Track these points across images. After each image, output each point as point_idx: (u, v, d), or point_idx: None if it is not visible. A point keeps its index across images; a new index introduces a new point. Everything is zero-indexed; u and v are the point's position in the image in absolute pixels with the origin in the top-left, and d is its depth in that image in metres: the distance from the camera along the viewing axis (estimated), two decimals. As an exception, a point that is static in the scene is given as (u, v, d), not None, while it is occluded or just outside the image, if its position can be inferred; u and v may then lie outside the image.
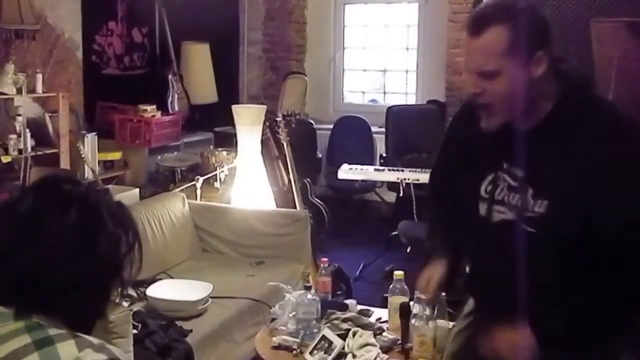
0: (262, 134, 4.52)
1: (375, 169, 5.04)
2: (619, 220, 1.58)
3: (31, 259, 1.10)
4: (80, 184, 1.21)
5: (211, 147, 5.59)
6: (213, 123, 6.01)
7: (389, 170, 4.90)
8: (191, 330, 3.03)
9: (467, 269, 2.01)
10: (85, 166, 4.67)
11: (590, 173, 1.58)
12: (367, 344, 2.64)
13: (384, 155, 5.84)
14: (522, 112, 1.66)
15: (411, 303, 2.71)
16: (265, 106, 4.70)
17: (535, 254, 1.64)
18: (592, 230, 1.58)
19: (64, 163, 4.57)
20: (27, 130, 4.39)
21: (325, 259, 3.26)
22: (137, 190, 4.49)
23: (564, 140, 1.63)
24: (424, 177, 4.60)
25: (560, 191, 1.62)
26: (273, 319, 2.91)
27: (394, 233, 4.79)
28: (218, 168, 4.66)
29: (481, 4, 1.69)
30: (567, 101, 1.65)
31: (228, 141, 5.33)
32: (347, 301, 3.13)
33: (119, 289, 1.20)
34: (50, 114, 4.63)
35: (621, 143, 1.61)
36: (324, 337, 2.64)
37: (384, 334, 2.78)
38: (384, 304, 3.01)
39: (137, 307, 3.14)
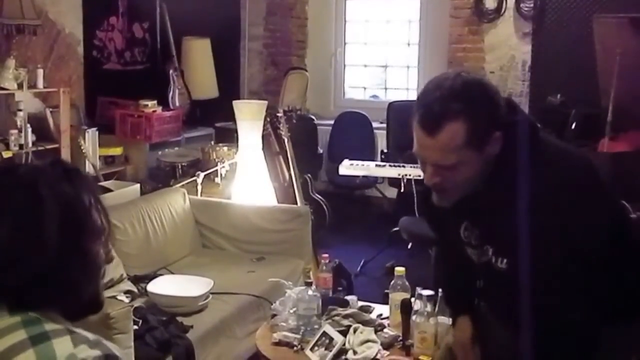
0: (263, 130, 4.51)
1: (377, 165, 5.03)
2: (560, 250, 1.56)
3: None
4: (13, 170, 1.16)
5: (212, 142, 5.58)
6: (214, 118, 6.00)
7: (390, 166, 4.89)
8: (192, 326, 3.03)
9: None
10: (86, 161, 4.67)
11: (534, 234, 1.56)
12: (368, 341, 2.64)
13: (385, 151, 5.83)
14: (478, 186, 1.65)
15: (412, 299, 2.71)
16: (266, 102, 4.69)
17: (509, 297, 1.66)
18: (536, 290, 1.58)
19: (65, 158, 4.57)
20: (28, 125, 4.39)
21: (326, 255, 3.26)
22: (138, 185, 4.49)
23: (508, 194, 1.60)
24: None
25: (514, 250, 1.61)
26: (274, 315, 2.91)
27: (395, 229, 4.79)
28: (219, 164, 4.65)
29: (429, 92, 1.60)
30: (508, 153, 1.60)
31: (229, 137, 5.33)
32: (348, 297, 3.12)
33: (88, 265, 1.15)
34: (51, 109, 4.63)
35: (554, 205, 1.56)
36: (324, 334, 2.63)
37: (385, 330, 2.78)
38: (385, 300, 3.01)
39: (137, 302, 3.14)
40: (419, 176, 4.57)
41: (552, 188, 1.57)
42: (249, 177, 4.40)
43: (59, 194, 1.12)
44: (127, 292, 3.26)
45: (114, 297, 3.12)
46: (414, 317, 2.62)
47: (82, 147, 4.58)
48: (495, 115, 1.58)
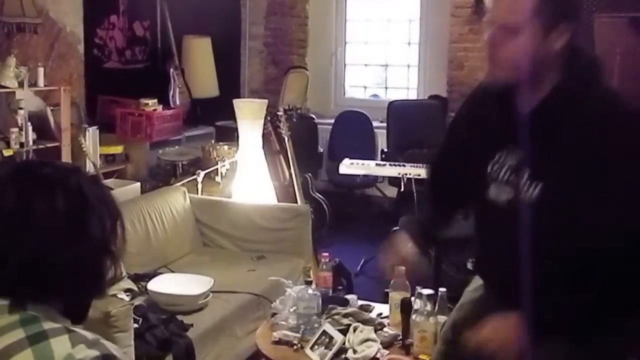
0: (264, 129, 4.51)
1: (377, 164, 5.03)
2: (607, 207, 1.57)
3: (26, 249, 1.09)
4: (56, 165, 1.19)
5: (212, 141, 5.58)
6: (214, 117, 6.01)
7: (390, 165, 4.89)
8: (192, 325, 3.03)
9: (476, 251, 2.04)
10: (87, 160, 4.67)
11: (585, 158, 1.58)
12: (367, 340, 2.65)
13: (385, 150, 5.83)
14: (528, 80, 1.66)
15: (412, 299, 2.71)
16: (266, 100, 4.69)
17: (532, 235, 1.64)
18: (578, 216, 1.58)
19: (66, 157, 4.58)
20: (29, 123, 4.39)
21: (326, 254, 3.26)
22: (138, 184, 4.50)
23: (562, 121, 1.63)
24: (425, 172, 4.59)
25: (553, 174, 1.63)
26: (274, 314, 2.91)
27: (395, 228, 4.77)
28: (219, 162, 4.66)
29: None
30: (571, 81, 1.65)
31: (229, 135, 5.33)
32: (348, 296, 3.13)
33: (114, 265, 1.19)
34: (51, 107, 4.63)
35: (618, 130, 1.60)
36: (324, 332, 2.64)
37: (385, 329, 2.78)
38: (384, 300, 3.02)
39: (138, 301, 3.14)
40: (419, 175, 4.58)
41: (621, 111, 1.63)
42: (249, 176, 4.40)
43: (97, 195, 1.17)
44: (127, 290, 3.25)
45: (114, 295, 3.11)
46: (413, 316, 2.63)
47: (82, 146, 4.58)
48: (570, 8, 1.66)
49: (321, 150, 6.47)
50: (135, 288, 3.31)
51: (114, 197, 1.22)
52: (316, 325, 2.74)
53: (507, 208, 1.73)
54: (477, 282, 2.05)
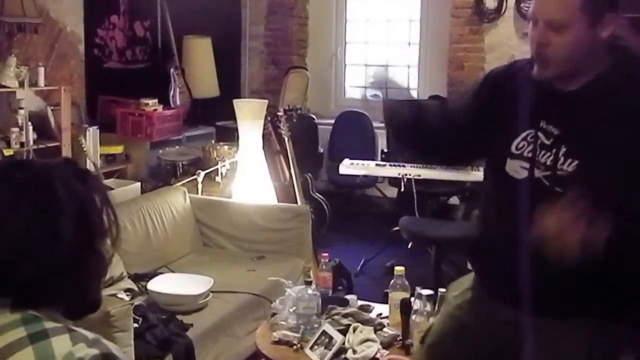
0: (264, 129, 4.52)
1: (377, 164, 5.03)
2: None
3: (4, 258, 1.07)
4: (30, 167, 1.15)
5: (212, 141, 5.59)
6: (214, 117, 6.01)
7: (391, 165, 4.90)
8: (192, 325, 3.04)
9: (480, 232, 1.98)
10: (87, 160, 4.67)
11: (630, 137, 1.59)
12: (367, 340, 2.65)
13: (386, 150, 5.83)
14: (575, 71, 1.67)
15: (412, 299, 2.71)
16: (266, 101, 4.70)
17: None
18: (612, 194, 1.57)
19: (66, 156, 4.58)
20: (29, 123, 4.39)
21: (326, 254, 3.27)
22: (139, 184, 4.50)
23: (606, 105, 1.65)
24: (425, 172, 4.60)
25: (591, 152, 1.63)
26: (274, 314, 2.92)
27: (395, 228, 4.79)
28: (219, 162, 4.66)
29: None
30: (617, 70, 1.66)
31: (229, 135, 5.33)
32: (348, 296, 3.13)
33: (100, 263, 1.16)
34: (52, 107, 4.64)
35: None
36: (324, 333, 2.64)
37: (385, 329, 2.78)
38: (384, 300, 3.02)
39: (138, 301, 3.14)
40: (419, 176, 4.59)
41: None
42: (250, 176, 4.40)
43: (74, 193, 1.13)
44: (127, 290, 3.26)
45: (114, 295, 3.12)
46: (413, 317, 2.63)
47: (83, 146, 4.58)
48: None
49: (321, 150, 6.47)
50: (135, 288, 3.32)
51: (101, 191, 1.18)
52: (316, 325, 2.74)
53: (527, 184, 1.72)
54: (458, 286, 2.02)
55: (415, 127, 1.96)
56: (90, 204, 1.15)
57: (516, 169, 1.76)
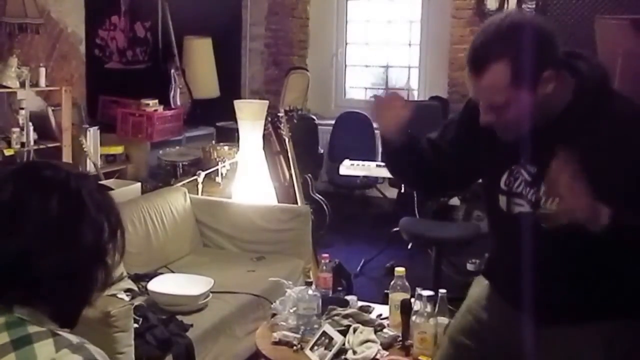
0: (264, 129, 4.52)
1: (377, 165, 5.03)
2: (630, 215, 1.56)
3: (15, 249, 1.07)
4: (60, 169, 1.17)
5: (213, 141, 5.59)
6: (215, 118, 6.01)
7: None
8: (192, 325, 3.03)
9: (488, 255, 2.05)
10: (88, 160, 4.68)
11: (602, 167, 1.57)
12: (367, 341, 2.65)
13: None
14: (537, 120, 1.67)
15: (412, 300, 2.71)
16: (267, 101, 4.70)
17: (549, 248, 1.67)
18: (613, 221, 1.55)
19: (67, 157, 4.59)
20: (30, 123, 4.40)
21: (326, 255, 3.26)
22: (139, 184, 4.50)
23: (578, 136, 1.63)
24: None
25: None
26: (274, 315, 2.92)
27: (395, 229, 4.79)
28: (219, 163, 4.66)
29: (478, 34, 1.65)
30: (582, 101, 1.65)
31: (230, 136, 5.34)
32: (348, 297, 3.13)
33: (105, 277, 1.17)
34: (53, 107, 4.64)
35: (635, 134, 1.61)
36: (324, 333, 2.64)
37: (385, 330, 2.78)
38: (384, 301, 3.02)
39: (138, 301, 3.14)
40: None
41: (631, 124, 1.62)
42: (250, 177, 4.41)
43: (99, 205, 1.15)
44: (127, 290, 3.26)
45: (115, 295, 3.12)
46: (413, 318, 2.63)
47: (83, 146, 4.59)
48: (544, 55, 1.61)
49: (321, 151, 6.47)
50: (136, 288, 3.32)
51: (118, 209, 1.20)
52: (316, 326, 2.74)
53: (520, 218, 1.74)
54: (481, 281, 2.03)
55: (407, 160, 1.97)
56: (110, 218, 1.17)
57: (508, 204, 1.78)
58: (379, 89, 7.01)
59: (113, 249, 1.17)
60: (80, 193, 1.14)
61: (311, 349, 2.61)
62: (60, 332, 1.08)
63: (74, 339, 1.08)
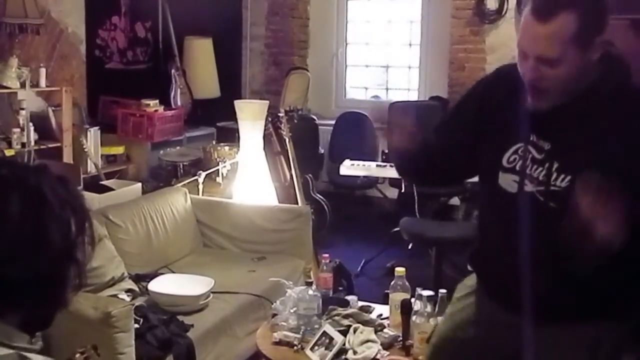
0: (264, 129, 4.52)
1: (377, 165, 5.03)
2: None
3: None
4: (16, 166, 1.11)
5: (213, 142, 5.59)
6: (215, 118, 6.01)
7: (391, 166, 4.87)
8: (192, 325, 3.04)
9: (477, 242, 1.98)
10: (88, 160, 4.69)
11: (621, 149, 1.58)
12: (368, 341, 2.65)
13: (386, 151, 5.83)
14: (568, 93, 1.65)
15: (412, 300, 2.72)
16: (267, 101, 4.70)
17: (553, 228, 1.62)
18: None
19: (67, 157, 4.59)
20: (31, 124, 4.41)
21: (327, 255, 3.27)
22: (140, 184, 4.50)
23: (595, 119, 1.63)
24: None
25: (584, 166, 1.61)
26: (274, 315, 2.92)
27: (395, 229, 4.80)
28: (220, 163, 4.66)
29: None
30: (605, 83, 1.65)
31: (230, 136, 5.34)
32: (348, 297, 3.14)
33: (78, 274, 1.11)
34: (53, 108, 4.65)
35: None
36: (324, 333, 2.65)
37: (385, 330, 2.79)
38: (385, 301, 3.03)
39: (138, 301, 3.15)
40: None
41: None
42: (250, 177, 4.41)
43: (61, 199, 1.09)
44: (128, 290, 3.27)
45: (115, 295, 3.13)
46: (413, 318, 2.63)
47: (84, 146, 4.59)
48: (604, 19, 1.61)
49: (322, 151, 6.47)
50: (136, 288, 3.33)
51: (83, 199, 1.14)
52: (316, 326, 2.74)
53: (520, 198, 1.72)
54: (463, 288, 2.02)
55: (422, 157, 1.95)
56: (75, 211, 1.11)
57: (509, 182, 1.75)
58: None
59: (82, 242, 1.12)
60: (41, 189, 1.07)
61: (311, 349, 2.62)
62: (28, 356, 1.03)
63: None
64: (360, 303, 3.06)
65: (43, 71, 4.51)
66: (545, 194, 1.67)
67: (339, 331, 2.68)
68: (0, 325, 1.04)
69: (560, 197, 1.63)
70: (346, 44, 7.04)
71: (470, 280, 1.99)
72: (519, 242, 1.67)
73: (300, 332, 2.73)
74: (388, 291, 2.92)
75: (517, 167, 1.73)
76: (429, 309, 2.60)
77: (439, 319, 2.60)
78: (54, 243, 1.06)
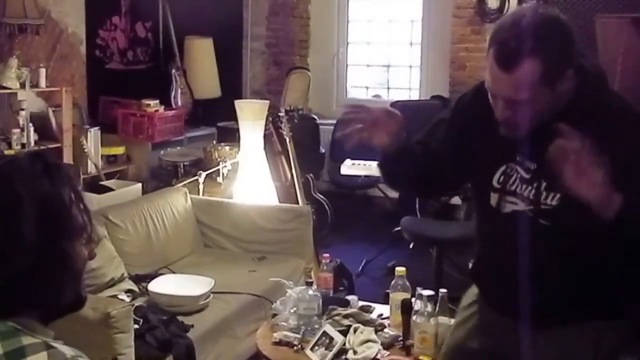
0: (265, 129, 4.51)
1: (378, 165, 5.02)
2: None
3: None
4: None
5: (214, 142, 5.58)
6: (216, 118, 6.00)
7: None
8: (192, 326, 3.03)
9: (475, 257, 2.01)
10: (88, 161, 4.68)
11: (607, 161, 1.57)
12: (368, 340, 2.64)
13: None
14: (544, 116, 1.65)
15: (413, 299, 2.71)
16: (268, 101, 4.69)
17: (546, 245, 1.65)
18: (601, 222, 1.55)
19: (67, 157, 4.59)
20: (31, 124, 4.41)
21: (327, 255, 3.26)
22: (140, 184, 4.50)
23: (578, 132, 1.61)
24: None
25: None
26: (274, 315, 2.91)
27: (396, 229, 4.79)
28: (221, 163, 4.66)
29: (506, 27, 1.60)
30: (583, 97, 1.65)
31: (231, 136, 5.33)
32: (349, 297, 3.13)
33: (71, 265, 1.09)
34: (53, 108, 4.64)
35: (633, 131, 1.61)
36: (325, 333, 2.64)
37: (385, 330, 2.78)
38: (385, 301, 3.02)
39: (138, 302, 3.15)
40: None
41: (629, 120, 1.63)
42: (251, 177, 4.40)
43: (37, 192, 1.05)
44: (128, 291, 3.27)
45: (115, 296, 3.13)
46: (414, 317, 2.62)
47: (84, 147, 4.59)
48: (569, 53, 1.61)
49: (323, 150, 6.46)
50: (136, 289, 3.33)
51: (72, 189, 1.10)
52: (317, 326, 2.74)
53: (512, 217, 1.73)
54: (468, 298, 2.02)
55: (403, 166, 1.93)
56: (55, 202, 1.07)
57: (500, 202, 1.76)
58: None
59: (71, 230, 1.09)
60: (11, 183, 1.04)
61: (312, 349, 2.61)
62: (54, 344, 1.04)
63: (68, 351, 1.04)
64: (361, 303, 3.05)
65: (43, 71, 4.51)
66: (536, 213, 1.68)
67: (339, 331, 2.67)
68: (22, 321, 1.04)
69: (552, 215, 1.65)
70: (347, 44, 7.04)
71: (476, 289, 2.00)
72: (514, 257, 1.69)
73: (301, 332, 2.73)
74: (388, 291, 2.91)
75: (507, 188, 1.74)
76: (429, 308, 2.59)
77: (440, 318, 2.60)
78: (29, 240, 1.03)
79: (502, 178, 1.75)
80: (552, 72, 1.57)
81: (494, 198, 1.77)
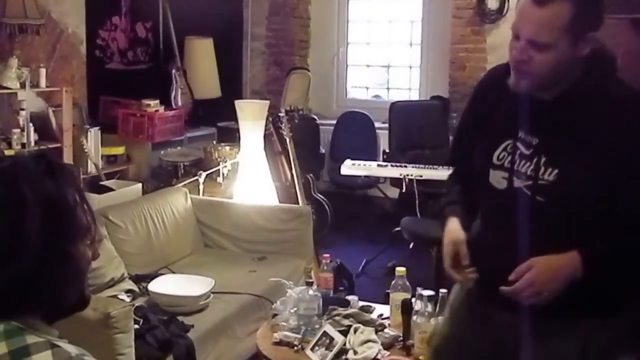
0: (265, 129, 4.51)
1: (378, 165, 5.03)
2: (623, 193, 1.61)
3: None
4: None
5: (214, 142, 5.58)
6: (216, 118, 6.01)
7: (392, 166, 4.89)
8: (193, 326, 3.03)
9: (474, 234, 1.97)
10: (89, 161, 4.68)
11: (607, 144, 1.60)
12: (368, 341, 2.65)
13: (387, 151, 5.83)
14: (552, 83, 1.67)
15: (413, 299, 2.71)
16: (268, 101, 4.69)
17: (542, 223, 1.66)
18: (614, 198, 1.61)
19: (67, 157, 4.58)
20: (31, 124, 4.40)
21: (328, 255, 3.26)
22: (140, 185, 4.50)
23: (582, 113, 1.65)
24: (427, 173, 4.60)
25: (571, 160, 1.65)
26: (274, 315, 2.92)
27: (396, 229, 4.79)
28: (221, 163, 4.66)
29: None
30: (591, 77, 1.67)
31: (231, 136, 5.33)
32: (349, 297, 3.13)
33: (74, 266, 1.09)
34: (53, 108, 4.64)
35: (636, 120, 1.64)
36: (325, 333, 2.64)
37: (386, 330, 2.78)
38: (385, 301, 3.02)
39: (138, 302, 3.15)
40: (421, 176, 4.58)
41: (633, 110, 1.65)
42: (251, 177, 4.40)
43: (42, 192, 1.05)
44: (128, 291, 3.27)
45: (115, 296, 3.13)
46: (414, 318, 2.63)
47: (84, 147, 4.59)
48: (598, 14, 1.64)
49: (323, 151, 6.47)
50: (136, 289, 3.33)
51: (76, 190, 1.10)
52: (317, 326, 2.74)
53: (510, 194, 1.73)
54: (460, 288, 2.01)
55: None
56: (60, 203, 1.08)
57: (498, 179, 1.77)
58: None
59: (75, 231, 1.09)
60: (17, 185, 1.04)
61: (312, 349, 2.61)
62: (59, 343, 1.04)
63: (72, 350, 1.04)
64: (361, 303, 3.06)
65: (43, 71, 4.51)
66: (533, 189, 1.69)
67: (339, 331, 2.67)
68: (26, 320, 1.05)
69: (548, 191, 1.66)
70: (347, 44, 7.04)
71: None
72: (510, 238, 1.69)
73: (301, 332, 2.73)
74: (389, 291, 2.92)
75: (506, 164, 1.76)
76: (429, 308, 2.59)
77: (440, 318, 2.60)
78: (33, 242, 1.04)
79: (502, 154, 1.77)
80: (580, 21, 1.59)
81: (492, 175, 1.78)
